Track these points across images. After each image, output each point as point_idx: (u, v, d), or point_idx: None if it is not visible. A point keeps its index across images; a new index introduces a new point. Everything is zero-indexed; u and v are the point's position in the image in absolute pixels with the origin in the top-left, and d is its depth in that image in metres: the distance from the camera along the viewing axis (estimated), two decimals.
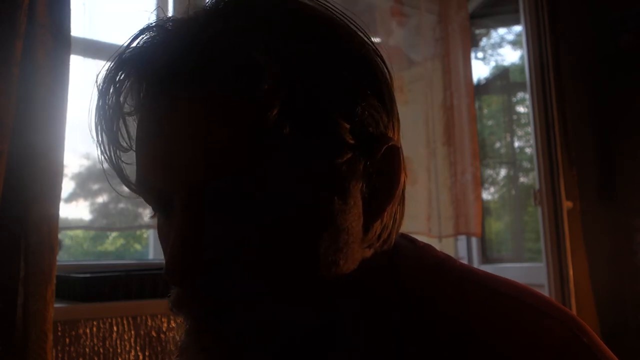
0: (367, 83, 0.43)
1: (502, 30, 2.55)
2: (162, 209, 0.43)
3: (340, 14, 0.45)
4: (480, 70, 2.67)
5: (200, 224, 0.39)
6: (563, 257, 1.94)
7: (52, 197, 1.12)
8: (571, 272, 1.93)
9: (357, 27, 0.46)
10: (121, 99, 0.42)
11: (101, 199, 1.64)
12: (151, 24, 0.42)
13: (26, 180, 1.10)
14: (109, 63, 0.42)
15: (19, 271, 1.08)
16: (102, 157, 0.45)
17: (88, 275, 1.32)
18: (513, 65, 2.53)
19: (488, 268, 2.22)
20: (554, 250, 1.95)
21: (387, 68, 0.46)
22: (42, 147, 1.12)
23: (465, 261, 2.28)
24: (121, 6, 1.59)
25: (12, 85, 1.08)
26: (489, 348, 0.42)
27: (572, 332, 0.43)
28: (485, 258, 2.32)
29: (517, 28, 2.38)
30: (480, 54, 2.57)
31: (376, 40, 2.08)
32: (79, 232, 1.78)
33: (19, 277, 1.08)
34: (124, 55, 0.41)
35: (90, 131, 0.44)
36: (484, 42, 2.56)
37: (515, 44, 2.51)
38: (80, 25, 1.39)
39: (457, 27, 2.07)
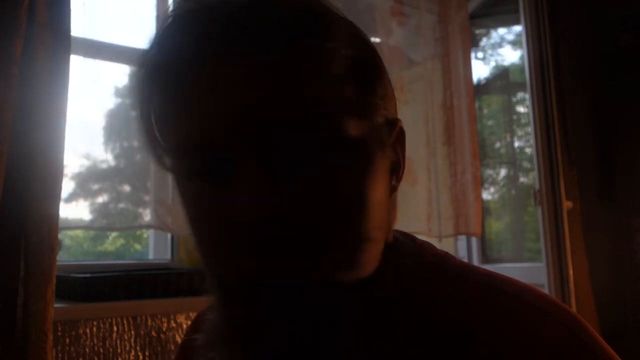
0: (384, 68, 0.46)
1: (502, 30, 2.55)
2: (211, 170, 0.40)
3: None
4: (480, 70, 2.68)
5: (275, 179, 0.38)
6: (563, 257, 1.94)
7: (52, 197, 1.12)
8: (571, 272, 1.93)
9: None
10: (168, 54, 0.41)
11: (101, 199, 1.64)
12: None
13: (26, 180, 1.10)
14: (170, 10, 0.42)
15: (19, 271, 1.08)
16: (140, 119, 0.43)
17: (88, 275, 1.32)
18: (513, 65, 2.53)
19: (488, 268, 2.22)
20: (554, 250, 1.95)
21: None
22: (42, 147, 1.12)
23: (460, 259, 2.28)
24: (121, 6, 1.60)
25: (12, 85, 1.08)
26: (488, 347, 0.42)
27: (572, 331, 0.42)
28: (485, 258, 2.32)
29: (517, 28, 2.38)
30: (480, 54, 2.57)
31: (376, 40, 2.08)
32: (79, 232, 1.78)
33: (19, 277, 1.08)
34: (179, 9, 0.41)
35: (129, 91, 0.44)
36: (484, 42, 2.56)
37: (515, 44, 2.51)
38: (80, 25, 1.39)
39: (457, 27, 2.07)
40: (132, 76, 0.45)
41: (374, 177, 0.42)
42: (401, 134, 0.47)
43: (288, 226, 0.38)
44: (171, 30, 0.42)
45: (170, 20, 0.42)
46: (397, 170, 0.46)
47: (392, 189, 0.46)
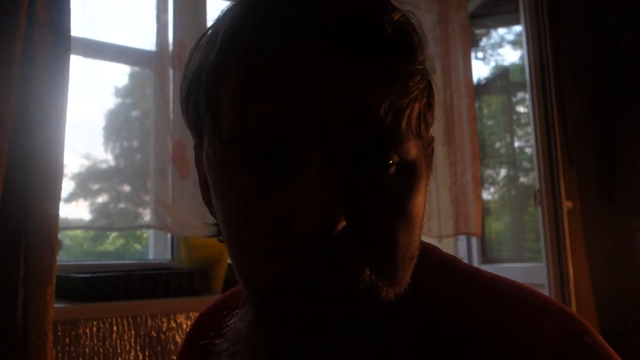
0: None
1: (502, 30, 2.55)
2: (271, 165, 0.38)
3: None
4: (480, 70, 2.68)
5: (342, 179, 0.37)
6: (563, 257, 1.94)
7: (52, 197, 1.12)
8: (571, 272, 1.93)
9: None
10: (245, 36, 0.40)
11: (101, 199, 1.64)
12: None
13: (26, 180, 1.10)
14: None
15: (19, 271, 1.08)
16: (200, 102, 0.42)
17: (88, 275, 1.32)
18: (513, 65, 2.53)
19: (488, 268, 2.22)
20: (554, 250, 1.95)
21: None
22: (42, 147, 1.12)
23: (465, 261, 2.28)
24: (121, 6, 1.60)
25: (12, 85, 1.08)
26: (490, 348, 0.42)
27: (574, 333, 0.43)
28: (485, 258, 2.32)
29: (517, 28, 2.38)
30: (480, 54, 2.57)
31: None
32: (79, 232, 1.78)
33: (19, 277, 1.08)
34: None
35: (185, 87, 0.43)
36: (484, 42, 2.56)
37: (515, 44, 2.51)
38: (80, 25, 1.39)
39: (457, 27, 2.07)
40: (201, 55, 0.43)
41: (422, 194, 0.43)
42: (433, 140, 0.49)
43: (347, 234, 0.36)
44: (255, 12, 0.40)
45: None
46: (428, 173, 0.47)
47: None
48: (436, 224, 1.95)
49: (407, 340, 0.44)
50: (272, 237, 0.38)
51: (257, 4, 0.40)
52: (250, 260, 0.40)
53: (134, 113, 1.78)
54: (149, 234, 1.73)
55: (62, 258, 1.54)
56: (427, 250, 0.50)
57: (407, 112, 0.39)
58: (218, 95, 0.41)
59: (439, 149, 2.01)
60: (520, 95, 2.49)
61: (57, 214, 1.13)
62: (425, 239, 0.52)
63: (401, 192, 0.40)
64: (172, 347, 1.34)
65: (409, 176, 0.41)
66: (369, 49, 0.38)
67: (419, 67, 0.40)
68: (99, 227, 1.60)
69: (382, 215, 0.39)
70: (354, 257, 0.37)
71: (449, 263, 0.49)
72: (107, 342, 1.26)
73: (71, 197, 1.59)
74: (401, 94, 0.39)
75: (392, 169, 0.39)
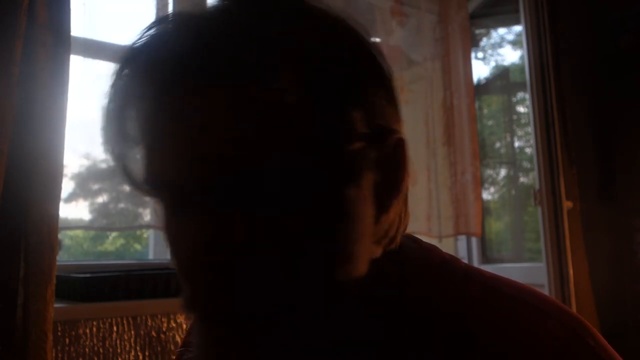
0: (376, 77, 0.43)
1: (502, 30, 2.55)
2: (175, 207, 0.42)
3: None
4: (480, 70, 2.68)
5: (218, 219, 0.39)
6: (563, 257, 1.94)
7: (52, 197, 1.12)
8: (571, 272, 1.93)
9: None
10: (128, 95, 0.41)
11: (101, 199, 1.64)
12: (159, 18, 0.41)
13: (26, 180, 1.10)
14: (118, 58, 0.42)
15: (19, 271, 1.08)
16: (109, 155, 0.44)
17: (88, 275, 1.32)
18: (513, 65, 2.53)
19: (488, 268, 2.21)
20: (554, 250, 1.95)
21: (387, 65, 0.47)
22: (42, 147, 1.12)
23: (465, 261, 2.28)
24: (121, 6, 1.59)
25: (12, 85, 1.08)
26: (489, 348, 0.42)
27: (574, 333, 0.43)
28: (485, 258, 2.32)
29: (517, 28, 2.38)
30: (480, 54, 2.57)
31: (376, 40, 2.08)
32: (79, 232, 1.78)
33: (19, 277, 1.08)
34: (132, 51, 0.41)
35: (99, 129, 0.44)
36: (484, 42, 2.56)
37: (515, 44, 2.51)
38: (80, 25, 1.39)
39: (457, 27, 2.07)
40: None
41: (342, 200, 0.40)
42: (401, 142, 0.44)
43: (230, 263, 0.39)
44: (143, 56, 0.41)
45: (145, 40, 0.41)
46: (394, 180, 0.44)
47: (386, 201, 0.44)
48: (436, 224, 1.95)
49: (404, 343, 0.44)
50: (178, 268, 0.42)
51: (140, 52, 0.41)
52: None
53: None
54: (149, 234, 1.73)
55: (62, 258, 1.54)
56: (427, 251, 0.50)
57: (256, 141, 0.38)
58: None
59: (439, 149, 2.01)
60: (520, 95, 2.49)
61: (57, 214, 1.13)
62: (425, 239, 0.52)
63: (287, 217, 0.39)
64: (172, 347, 1.34)
65: (293, 199, 0.39)
66: (214, 87, 0.38)
67: (282, 79, 0.37)
68: (99, 227, 1.60)
69: (248, 245, 0.39)
70: (220, 287, 0.39)
71: (448, 263, 0.48)
72: (107, 342, 1.26)
73: (71, 197, 1.59)
74: (257, 116, 0.37)
75: (274, 195, 0.38)
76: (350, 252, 0.41)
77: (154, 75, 0.39)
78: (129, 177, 0.45)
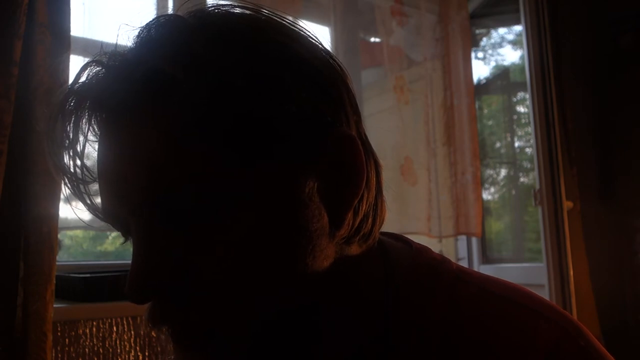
0: (302, 79, 0.42)
1: (502, 30, 2.55)
2: (124, 233, 0.45)
3: (276, 16, 0.45)
4: (480, 70, 2.68)
5: (155, 240, 0.40)
6: (563, 257, 1.94)
7: (52, 197, 1.12)
8: (571, 272, 1.93)
9: (296, 27, 0.45)
10: (71, 133, 0.44)
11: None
12: (94, 58, 0.43)
13: (26, 180, 1.10)
14: (59, 95, 0.44)
15: (19, 271, 1.08)
16: (64, 187, 0.47)
17: (88, 275, 1.32)
18: (513, 65, 2.53)
19: (488, 268, 2.22)
20: (554, 250, 1.95)
21: (337, 63, 0.45)
22: (42, 147, 1.12)
23: (465, 261, 2.28)
24: (121, 6, 1.59)
25: (12, 85, 1.08)
26: (479, 349, 0.42)
27: (565, 333, 0.43)
28: (486, 258, 2.32)
29: (517, 28, 2.38)
30: (480, 54, 2.57)
31: (376, 40, 2.08)
32: (79, 232, 1.78)
33: (19, 277, 1.08)
34: (71, 88, 0.43)
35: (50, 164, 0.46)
36: (484, 42, 2.56)
37: (515, 43, 2.51)
38: (80, 25, 1.39)
39: (457, 27, 2.07)
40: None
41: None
42: (343, 141, 0.42)
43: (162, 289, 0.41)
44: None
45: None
46: (345, 179, 0.43)
47: (342, 200, 0.43)
48: (436, 224, 1.95)
49: (389, 347, 0.44)
50: None
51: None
52: None
53: None
54: None
55: (62, 258, 1.54)
56: (418, 252, 0.49)
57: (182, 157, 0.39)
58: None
59: (439, 149, 2.01)
60: (520, 95, 2.49)
61: (57, 214, 1.13)
62: (425, 239, 0.52)
63: (221, 231, 0.40)
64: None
65: (223, 214, 0.40)
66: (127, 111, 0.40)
67: (183, 98, 0.39)
68: (99, 227, 1.60)
69: (202, 262, 0.40)
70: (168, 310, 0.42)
71: (439, 264, 0.48)
72: (106, 342, 1.26)
73: (71, 197, 1.58)
74: (169, 137, 0.39)
75: (203, 211, 0.39)
76: (296, 257, 0.41)
77: (91, 112, 0.43)
78: (89, 208, 0.48)
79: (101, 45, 0.45)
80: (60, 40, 1.16)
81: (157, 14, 0.45)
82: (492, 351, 0.42)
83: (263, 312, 0.41)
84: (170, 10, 1.57)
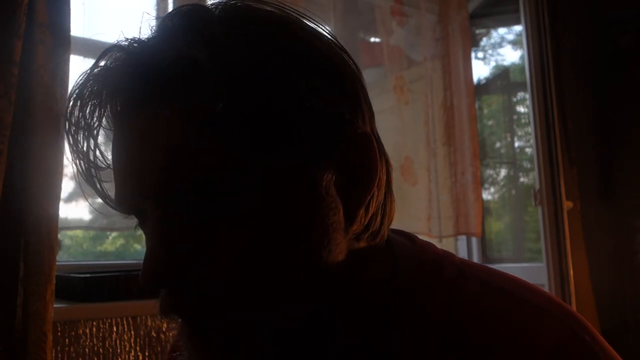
0: (322, 75, 0.42)
1: (502, 30, 2.55)
2: (140, 222, 0.45)
3: (295, 12, 0.45)
4: (480, 70, 2.68)
5: (171, 230, 0.40)
6: (563, 257, 1.94)
7: (52, 197, 1.12)
8: (571, 272, 1.93)
9: (315, 23, 0.46)
10: (88, 118, 0.44)
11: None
12: (115, 44, 0.43)
13: (26, 180, 1.10)
14: (78, 81, 0.44)
15: (19, 271, 1.08)
16: (78, 176, 0.46)
17: (88, 275, 1.32)
18: (513, 65, 2.53)
19: None
20: (554, 250, 1.95)
21: (352, 61, 0.46)
22: (42, 147, 1.12)
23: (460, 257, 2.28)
24: (121, 6, 1.59)
25: (12, 85, 1.08)
26: (482, 347, 0.42)
27: (571, 330, 0.42)
28: (486, 258, 2.32)
29: (517, 28, 2.38)
30: (480, 54, 2.57)
31: (376, 40, 2.08)
32: (79, 232, 1.78)
33: (19, 277, 1.08)
34: (91, 72, 0.43)
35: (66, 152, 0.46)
36: (484, 42, 2.56)
37: (515, 43, 2.51)
38: (80, 25, 1.39)
39: (457, 27, 2.07)
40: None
41: (289, 205, 0.41)
42: (360, 138, 0.43)
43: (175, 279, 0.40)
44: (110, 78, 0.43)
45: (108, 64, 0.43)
46: (360, 176, 0.43)
47: (356, 197, 0.43)
48: (436, 224, 1.95)
49: (393, 344, 0.44)
50: None
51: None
52: None
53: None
54: None
55: (62, 258, 1.54)
56: (422, 248, 0.49)
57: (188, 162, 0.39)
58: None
59: (439, 149, 2.01)
60: (520, 95, 2.49)
61: (57, 214, 1.13)
62: (425, 239, 0.52)
63: (239, 224, 0.39)
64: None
65: (241, 207, 0.39)
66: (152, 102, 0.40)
67: (209, 90, 0.39)
68: (98, 227, 1.60)
69: (219, 255, 0.40)
70: (180, 300, 0.41)
71: (442, 259, 0.48)
72: (107, 342, 1.26)
73: (71, 197, 1.58)
74: (192, 128, 0.39)
75: (223, 203, 0.39)
76: (313, 250, 0.41)
77: (108, 101, 0.42)
78: (102, 196, 0.48)
79: (121, 32, 0.44)
80: (60, 40, 1.16)
81: (157, 14, 0.45)
82: (494, 351, 0.41)
83: (278, 307, 0.41)
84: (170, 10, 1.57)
